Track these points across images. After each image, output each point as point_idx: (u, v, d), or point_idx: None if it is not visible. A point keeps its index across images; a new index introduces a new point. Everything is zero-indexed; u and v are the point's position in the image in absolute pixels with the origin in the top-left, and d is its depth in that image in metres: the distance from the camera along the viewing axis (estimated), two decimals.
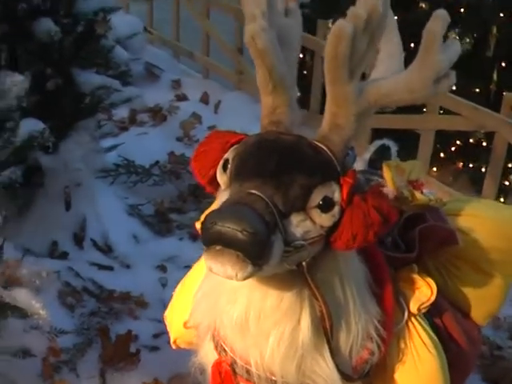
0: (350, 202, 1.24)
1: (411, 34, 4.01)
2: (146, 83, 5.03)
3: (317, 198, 1.21)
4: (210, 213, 1.16)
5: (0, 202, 2.79)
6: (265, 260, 1.14)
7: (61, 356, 1.99)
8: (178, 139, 4.01)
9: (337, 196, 1.23)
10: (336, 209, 1.23)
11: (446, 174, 4.13)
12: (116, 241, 3.13)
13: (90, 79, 2.80)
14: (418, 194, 1.82)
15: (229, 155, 1.28)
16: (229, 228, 1.11)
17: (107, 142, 3.45)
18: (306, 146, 1.23)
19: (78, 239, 3.03)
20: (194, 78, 5.36)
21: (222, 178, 1.28)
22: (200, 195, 3.49)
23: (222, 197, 1.25)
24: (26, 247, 2.89)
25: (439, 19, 1.26)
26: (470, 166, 4.01)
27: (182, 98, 4.76)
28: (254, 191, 1.18)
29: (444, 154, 4.20)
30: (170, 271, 2.96)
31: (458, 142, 4.05)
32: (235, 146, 1.28)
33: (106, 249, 3.07)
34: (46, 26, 2.58)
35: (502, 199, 3.82)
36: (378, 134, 4.03)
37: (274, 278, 1.26)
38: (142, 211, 3.41)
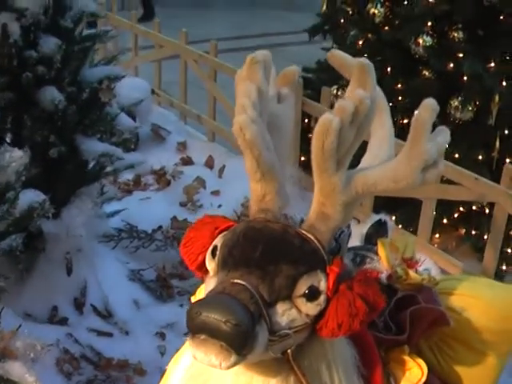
0: (336, 290, 1.25)
1: (414, 101, 4.08)
2: (152, 145, 5.09)
3: (302, 287, 1.22)
4: (196, 302, 1.18)
5: (0, 268, 2.81)
6: (249, 350, 1.15)
7: None
8: (182, 204, 4.04)
9: (322, 285, 1.24)
10: (322, 298, 1.24)
11: (449, 240, 4.12)
12: (116, 306, 3.13)
13: (92, 147, 2.84)
14: (411, 273, 1.83)
15: (217, 242, 1.30)
16: (213, 319, 1.13)
17: (111, 207, 3.48)
18: (292, 236, 1.25)
19: (78, 304, 3.03)
20: (199, 141, 5.41)
21: (210, 265, 1.30)
22: None
23: (209, 284, 1.27)
24: (27, 312, 2.90)
25: (428, 108, 1.28)
26: (473, 232, 4.00)
27: (187, 161, 4.80)
28: (239, 281, 1.19)
29: (447, 221, 4.20)
30: (169, 338, 2.96)
31: (461, 209, 4.05)
32: (224, 233, 1.30)
33: (106, 314, 3.06)
34: (51, 94, 2.63)
35: (503, 266, 3.80)
36: (379, 199, 4.06)
37: (259, 365, 1.27)
38: (144, 276, 3.41)
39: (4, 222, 2.00)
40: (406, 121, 3.97)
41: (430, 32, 3.76)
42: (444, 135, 1.34)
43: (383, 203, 4.11)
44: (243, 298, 1.16)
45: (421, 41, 3.72)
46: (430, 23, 3.81)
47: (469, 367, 1.73)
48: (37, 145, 2.72)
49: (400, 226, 4.02)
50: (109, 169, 3.16)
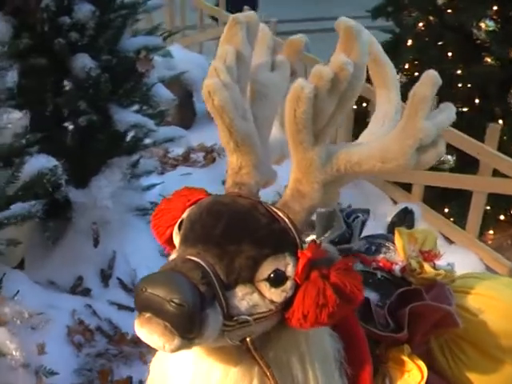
0: (307, 277, 1.13)
1: (474, 88, 3.85)
2: (208, 122, 5.02)
3: (266, 270, 1.11)
4: (144, 277, 1.08)
5: (23, 233, 2.80)
6: (197, 334, 1.05)
7: None
8: (223, 182, 3.93)
9: (290, 270, 1.12)
10: (288, 284, 1.12)
11: (504, 238, 3.90)
12: None
13: (125, 117, 2.78)
14: (427, 267, 1.68)
15: (185, 215, 1.19)
16: (157, 296, 1.03)
17: (150, 180, 3.43)
18: (260, 213, 1.13)
19: (104, 276, 2.99)
20: None
21: (176, 239, 1.20)
22: None
23: (169, 259, 1.17)
24: (51, 280, 2.88)
25: (429, 81, 1.14)
26: None
27: None
28: (193, 258, 1.09)
29: (504, 217, 3.98)
30: None
31: None
32: (192, 207, 1.20)
33: (132, 288, 3.01)
34: (83, 61, 2.58)
35: None
36: (431, 189, 3.87)
37: (220, 352, 1.17)
38: None
39: (12, 186, 1.95)
40: (465, 109, 3.76)
41: (494, 17, 3.53)
42: (447, 112, 1.19)
43: (435, 194, 3.92)
44: (193, 277, 1.05)
45: (483, 25, 3.50)
46: (495, 7, 3.57)
47: (482, 374, 1.58)
48: (70, 112, 2.69)
49: (452, 220, 3.83)
50: (148, 141, 3.11)
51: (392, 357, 1.47)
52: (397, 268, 1.70)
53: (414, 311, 1.46)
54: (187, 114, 5.14)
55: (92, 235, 2.86)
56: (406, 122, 1.15)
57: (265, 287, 1.11)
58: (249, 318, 1.10)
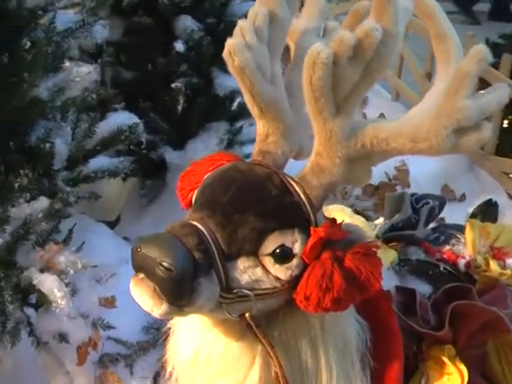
0: (318, 257, 1.05)
1: None
2: None
3: (271, 245, 1.04)
4: (141, 237, 1.05)
5: (124, 190, 2.86)
6: (187, 302, 1.01)
7: (97, 349, 1.97)
8: None
9: (297, 247, 1.05)
10: (294, 261, 1.05)
11: None
12: None
13: (226, 81, 2.75)
14: (493, 265, 1.55)
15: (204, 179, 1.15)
16: (149, 258, 1.00)
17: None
18: (273, 184, 1.07)
19: None
20: (382, 99, 5.14)
21: None
22: None
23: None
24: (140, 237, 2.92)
25: (475, 56, 1.02)
26: None
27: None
28: (195, 223, 1.04)
29: None
30: None
31: None
32: (211, 171, 1.15)
33: None
34: (185, 22, 2.58)
35: None
36: None
37: (224, 324, 1.13)
38: None
39: (90, 140, 1.99)
40: None
41: None
42: (497, 93, 1.06)
43: None
44: (189, 242, 1.01)
45: None
46: None
47: None
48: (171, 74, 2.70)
49: None
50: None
51: (433, 356, 1.36)
52: (461, 262, 1.58)
53: (459, 310, 1.34)
54: None
55: None
56: (445, 99, 1.03)
57: (269, 262, 1.05)
58: (249, 292, 1.05)
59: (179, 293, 1.00)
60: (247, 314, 1.06)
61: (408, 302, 1.39)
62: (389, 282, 1.44)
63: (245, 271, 1.05)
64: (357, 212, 3.34)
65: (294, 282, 1.06)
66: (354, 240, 1.09)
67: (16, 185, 1.74)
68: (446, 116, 1.02)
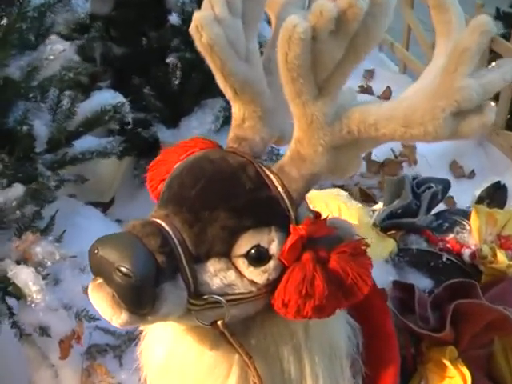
0: (298, 258, 0.93)
1: None
2: None
3: (245, 245, 0.93)
4: (99, 238, 0.93)
5: (118, 171, 2.76)
6: (149, 310, 0.89)
7: (81, 342, 1.87)
8: None
9: (274, 247, 0.93)
10: (271, 264, 0.94)
11: None
12: None
13: None
14: (500, 255, 1.43)
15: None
16: (107, 261, 0.88)
17: None
18: (247, 176, 0.95)
19: None
20: (389, 71, 4.97)
21: None
22: None
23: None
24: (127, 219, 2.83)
25: (476, 29, 0.89)
26: None
27: (365, 90, 4.42)
28: (159, 221, 0.92)
29: None
30: None
31: None
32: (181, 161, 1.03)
33: None
34: None
35: None
36: None
37: (197, 331, 1.01)
38: None
39: (72, 121, 1.87)
40: None
41: None
42: (503, 70, 0.93)
43: None
44: (151, 244, 0.89)
45: None
46: None
47: None
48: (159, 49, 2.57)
49: None
50: None
51: (433, 358, 1.25)
52: (466, 252, 1.46)
53: (462, 309, 1.22)
54: None
55: None
56: (442, 78, 0.90)
57: (243, 265, 0.93)
58: (221, 298, 0.93)
59: (140, 301, 0.89)
60: (219, 322, 0.95)
61: (406, 298, 1.28)
62: (385, 276, 1.33)
63: (216, 274, 0.93)
64: (362, 191, 3.25)
65: (273, 285, 0.95)
66: (340, 237, 0.98)
67: None
68: (444, 97, 0.89)
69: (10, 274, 1.55)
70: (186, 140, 1.12)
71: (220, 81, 0.99)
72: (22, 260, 1.60)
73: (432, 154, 3.40)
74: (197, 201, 0.93)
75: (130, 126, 2.19)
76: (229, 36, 0.95)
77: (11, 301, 1.89)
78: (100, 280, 0.91)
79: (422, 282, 1.36)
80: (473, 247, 1.47)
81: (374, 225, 1.51)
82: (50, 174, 1.82)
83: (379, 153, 3.39)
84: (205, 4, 0.97)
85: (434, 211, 1.61)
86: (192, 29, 0.94)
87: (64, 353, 1.79)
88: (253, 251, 0.92)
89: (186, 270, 0.91)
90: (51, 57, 1.63)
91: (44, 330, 1.77)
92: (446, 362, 1.22)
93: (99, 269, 0.90)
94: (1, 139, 1.77)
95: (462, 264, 1.45)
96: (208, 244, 0.92)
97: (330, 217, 1.01)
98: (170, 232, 0.91)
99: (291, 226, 0.94)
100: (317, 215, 0.98)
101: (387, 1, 0.88)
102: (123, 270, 0.86)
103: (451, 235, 1.51)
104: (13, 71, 1.60)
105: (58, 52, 1.64)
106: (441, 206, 1.69)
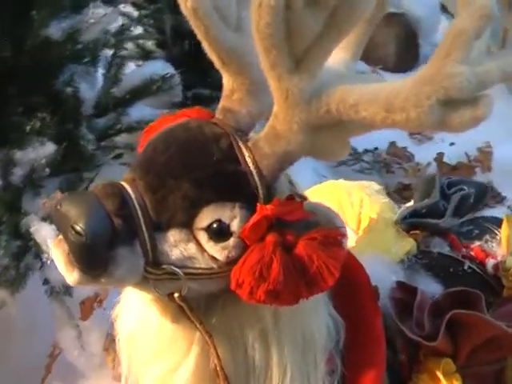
0: (262, 239, 0.89)
1: None
2: None
3: (206, 218, 0.89)
4: (67, 194, 0.93)
5: None
6: (102, 272, 0.88)
7: (102, 306, 1.89)
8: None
9: (235, 224, 0.90)
10: (231, 241, 0.90)
11: None
12: None
13: None
14: None
15: None
16: (65, 218, 0.87)
17: None
18: (218, 148, 0.91)
19: None
20: None
21: None
22: (407, 197, 3.09)
23: None
24: None
25: (475, 12, 0.82)
26: None
27: None
28: (123, 183, 0.91)
29: None
30: None
31: None
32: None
33: None
34: None
35: None
36: None
37: (161, 300, 0.98)
38: None
39: (118, 87, 1.88)
40: None
41: None
42: (505, 61, 0.85)
43: None
44: (108, 205, 0.87)
45: None
46: None
47: None
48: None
49: None
50: None
51: (428, 368, 1.18)
52: (490, 262, 1.38)
53: (460, 320, 1.14)
54: (407, 57, 4.72)
55: None
56: (432, 62, 0.83)
57: (203, 238, 0.90)
58: (178, 270, 0.90)
59: (91, 261, 0.87)
60: (176, 295, 0.92)
61: (409, 300, 1.21)
62: (389, 275, 1.26)
63: (176, 245, 0.90)
64: None
65: (234, 264, 0.91)
66: (316, 223, 0.92)
67: (27, 128, 1.66)
68: (431, 83, 0.82)
69: (32, 229, 1.58)
70: (187, 109, 1.10)
71: (206, 49, 0.95)
72: (48, 218, 1.62)
73: (510, 162, 3.23)
74: (164, 167, 0.91)
75: (179, 100, 2.17)
76: (216, 1, 0.91)
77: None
78: (60, 236, 0.90)
79: (431, 287, 1.28)
80: (499, 258, 1.38)
81: (396, 222, 1.44)
82: (92, 137, 1.83)
83: (452, 155, 3.27)
84: None
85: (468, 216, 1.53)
86: None
87: (84, 314, 1.82)
88: (214, 225, 0.89)
89: (144, 236, 0.89)
90: (91, 20, 1.64)
91: (67, 289, 1.79)
92: (439, 375, 1.15)
93: (59, 225, 0.90)
94: (47, 100, 1.80)
95: (485, 275, 1.37)
96: (169, 213, 0.89)
97: (309, 201, 0.96)
98: (132, 196, 0.89)
99: (258, 204, 0.90)
100: (289, 197, 0.93)
101: None
102: (77, 228, 0.85)
103: (478, 243, 1.43)
104: (53, 32, 1.62)
105: (99, 16, 1.64)
106: None
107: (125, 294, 1.10)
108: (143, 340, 1.04)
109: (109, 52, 1.92)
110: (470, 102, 0.83)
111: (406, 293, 1.22)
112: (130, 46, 2.58)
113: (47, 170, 1.60)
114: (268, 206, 0.89)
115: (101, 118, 2.02)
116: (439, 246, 1.42)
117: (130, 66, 2.14)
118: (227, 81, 0.98)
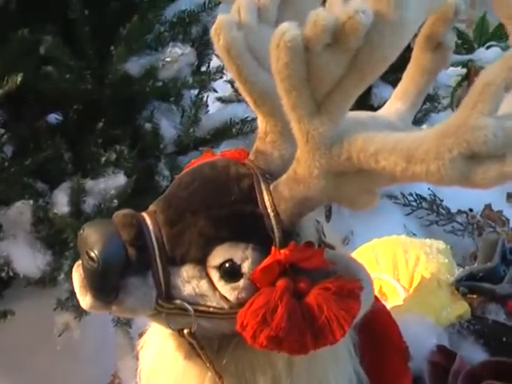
0: (273, 283, 0.88)
1: None
2: None
3: (218, 257, 0.90)
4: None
5: None
6: (113, 299, 0.90)
7: None
8: (510, 195, 3.42)
9: (247, 266, 0.89)
10: (241, 282, 0.89)
11: None
12: None
13: (383, 92, 2.56)
14: None
15: None
16: (84, 243, 0.90)
17: None
18: (239, 189, 0.91)
19: None
20: None
21: None
22: None
23: None
24: None
25: (503, 63, 0.79)
26: None
27: None
28: (144, 214, 0.92)
29: None
30: None
31: None
32: None
33: None
34: None
35: None
36: None
37: (176, 334, 0.98)
38: None
39: (198, 127, 1.91)
40: None
41: None
42: None
43: None
44: (125, 235, 0.89)
45: None
46: None
47: None
48: None
49: None
50: None
51: None
52: None
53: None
54: None
55: (325, 212, 2.72)
56: (458, 114, 0.80)
57: (215, 276, 0.90)
58: (189, 306, 0.90)
59: (102, 288, 0.89)
60: (186, 331, 0.92)
61: (447, 365, 1.15)
62: (430, 337, 1.21)
63: (189, 281, 0.91)
64: None
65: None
66: (334, 274, 0.90)
67: (103, 159, 1.72)
68: (454, 134, 0.79)
69: None
70: (224, 151, 1.11)
71: (240, 89, 0.96)
72: None
73: None
74: (184, 202, 0.92)
75: None
76: (250, 42, 0.92)
77: None
78: (80, 261, 0.93)
79: (477, 355, 1.21)
80: None
81: (451, 284, 1.38)
82: (168, 173, 1.88)
83: None
84: (233, 8, 0.95)
85: None
86: (212, 31, 0.92)
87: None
88: (226, 265, 0.89)
89: (158, 268, 0.90)
90: (168, 59, 1.69)
91: (128, 320, 1.82)
92: None
93: (80, 249, 0.92)
94: (127, 134, 1.86)
95: None
96: (185, 247, 0.90)
97: (330, 250, 0.94)
98: (150, 228, 0.91)
99: (273, 248, 0.88)
100: (308, 243, 0.91)
101: (401, 18, 0.79)
102: (91, 254, 0.88)
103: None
104: (132, 67, 1.68)
105: (176, 55, 1.69)
106: None
107: (150, 328, 1.10)
108: (160, 374, 1.04)
109: (193, 92, 1.96)
110: (497, 157, 0.79)
111: (445, 357, 1.16)
112: (225, 86, 2.64)
113: (115, 201, 1.65)
114: (282, 251, 0.88)
115: (182, 156, 2.06)
116: (496, 313, 1.35)
117: (215, 107, 2.18)
118: (261, 122, 0.98)
